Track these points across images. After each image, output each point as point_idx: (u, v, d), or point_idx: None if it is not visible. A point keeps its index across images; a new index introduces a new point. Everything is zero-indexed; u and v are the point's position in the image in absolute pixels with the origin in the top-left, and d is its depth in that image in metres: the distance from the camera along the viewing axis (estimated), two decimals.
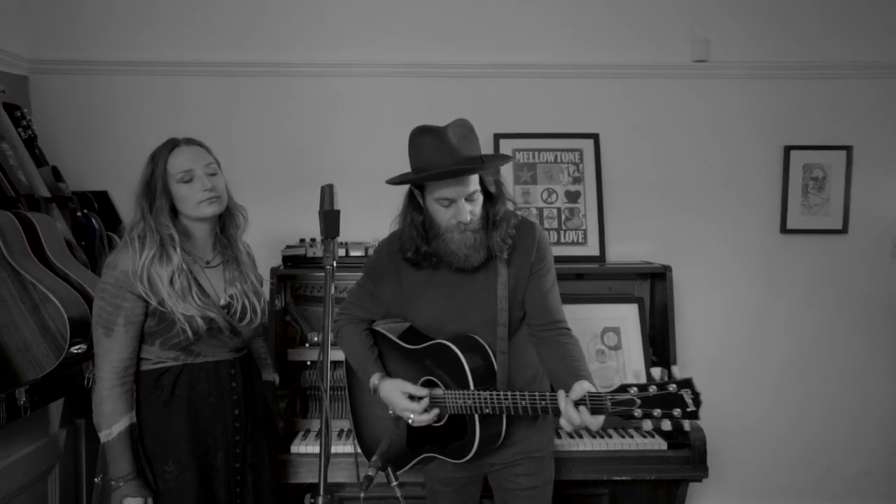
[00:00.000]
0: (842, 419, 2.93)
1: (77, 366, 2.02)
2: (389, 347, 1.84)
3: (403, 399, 1.66)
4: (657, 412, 1.37)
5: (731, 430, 2.84)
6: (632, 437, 2.29)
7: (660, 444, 2.25)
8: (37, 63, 2.76)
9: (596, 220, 2.81)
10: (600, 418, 1.44)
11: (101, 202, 2.69)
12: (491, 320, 1.70)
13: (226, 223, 1.79)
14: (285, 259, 2.57)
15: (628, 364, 2.50)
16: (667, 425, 1.36)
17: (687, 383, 1.35)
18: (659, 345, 2.57)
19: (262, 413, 1.86)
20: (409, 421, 1.64)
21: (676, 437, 2.28)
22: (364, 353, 1.81)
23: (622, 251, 2.89)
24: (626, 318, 2.56)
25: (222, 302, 1.75)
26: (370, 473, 1.39)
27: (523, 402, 1.56)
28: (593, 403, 1.43)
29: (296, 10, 2.82)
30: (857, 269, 2.90)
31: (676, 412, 1.35)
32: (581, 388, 1.46)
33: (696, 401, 1.34)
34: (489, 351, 1.68)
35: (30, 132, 2.49)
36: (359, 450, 1.91)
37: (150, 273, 1.62)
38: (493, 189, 1.67)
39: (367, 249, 2.60)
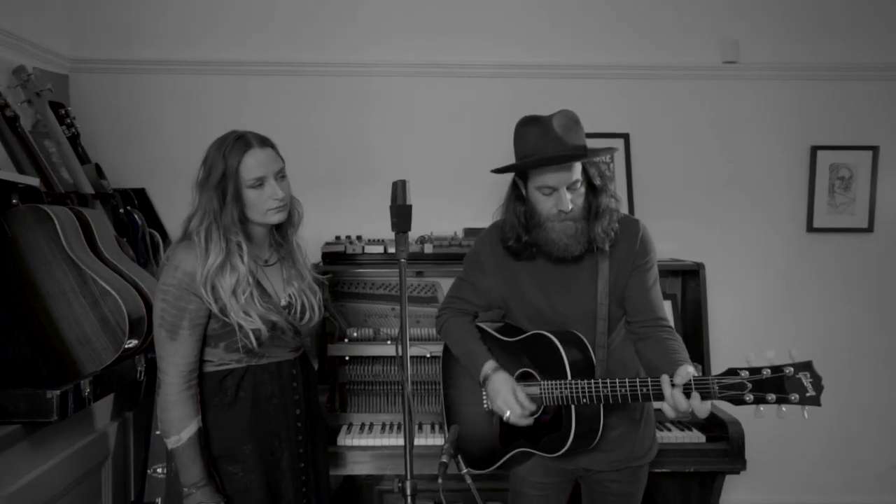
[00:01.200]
0: (868, 415, 2.98)
1: (130, 359, 2.05)
2: (487, 340, 1.83)
3: (511, 395, 1.64)
4: (771, 397, 1.30)
5: (759, 425, 2.87)
6: (669, 430, 2.33)
7: (698, 437, 2.30)
8: (77, 62, 2.79)
9: None
10: (708, 404, 1.38)
11: (139, 199, 2.73)
12: (590, 313, 1.69)
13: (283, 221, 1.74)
14: (324, 256, 2.61)
15: None
16: (773, 411, 1.29)
17: (807, 366, 1.28)
18: (691, 341, 2.61)
19: (317, 410, 1.86)
20: (505, 417, 1.64)
21: (713, 430, 2.32)
22: (473, 344, 1.79)
23: None
24: None
25: (283, 302, 1.71)
26: (444, 460, 1.42)
27: (622, 390, 1.51)
28: (699, 388, 1.37)
29: (332, 11, 2.87)
30: (882, 266, 2.95)
31: (794, 397, 1.28)
32: (685, 371, 1.41)
33: (817, 385, 1.27)
34: (588, 345, 1.67)
35: (73, 130, 2.53)
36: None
37: (214, 282, 1.57)
38: (597, 181, 1.66)
39: None
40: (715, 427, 2.33)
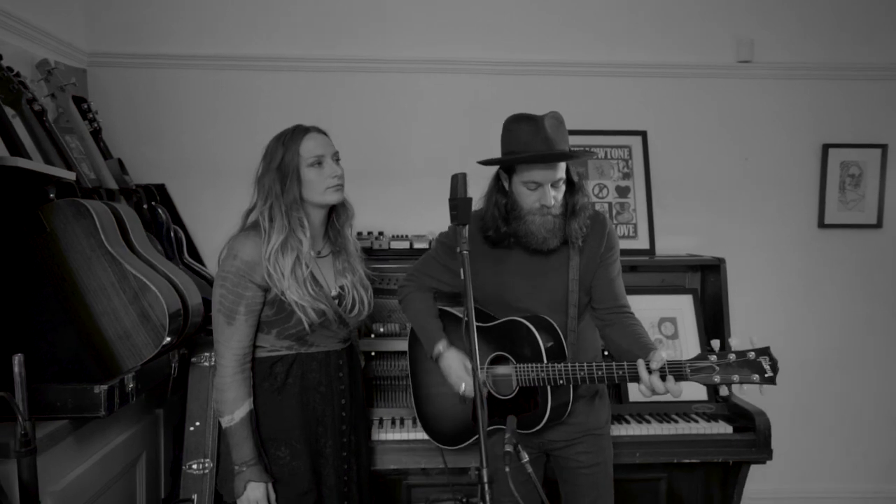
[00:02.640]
0: (879, 407, 3.06)
1: (165, 355, 2.03)
2: (458, 325, 1.90)
3: (463, 369, 1.78)
4: (736, 377, 1.45)
5: (773, 417, 2.94)
6: (696, 421, 2.37)
7: (724, 427, 2.34)
8: (95, 56, 2.76)
9: (646, 215, 2.90)
10: (682, 385, 1.51)
11: (159, 195, 2.70)
12: (561, 302, 1.80)
13: (338, 213, 1.80)
14: None
15: (686, 352, 2.58)
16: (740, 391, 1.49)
17: (765, 351, 1.45)
18: (712, 335, 2.66)
19: (360, 402, 1.90)
20: (461, 390, 1.76)
21: (738, 421, 2.37)
22: (429, 320, 1.89)
23: (668, 245, 2.98)
24: (682, 308, 2.65)
25: (333, 293, 1.75)
26: (508, 450, 1.44)
27: (599, 373, 1.64)
28: (672, 370, 1.52)
29: (353, 6, 2.86)
30: (891, 261, 3.03)
31: (755, 378, 1.44)
32: (659, 356, 1.55)
33: (774, 367, 1.43)
34: (559, 330, 1.78)
35: (95, 124, 2.50)
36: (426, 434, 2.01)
37: (275, 261, 1.63)
38: (576, 180, 1.78)
39: (430, 243, 2.65)
40: (740, 418, 2.38)
